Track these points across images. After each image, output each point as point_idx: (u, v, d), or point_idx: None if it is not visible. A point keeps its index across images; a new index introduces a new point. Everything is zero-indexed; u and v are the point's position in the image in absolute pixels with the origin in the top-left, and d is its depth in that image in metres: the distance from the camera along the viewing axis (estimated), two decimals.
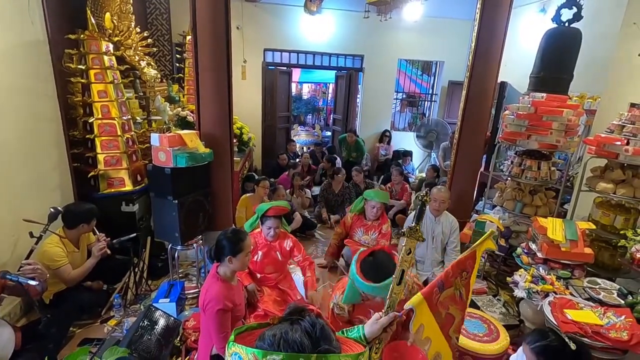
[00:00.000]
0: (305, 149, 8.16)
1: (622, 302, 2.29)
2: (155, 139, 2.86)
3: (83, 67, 3.21)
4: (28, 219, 2.47)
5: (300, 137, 9.23)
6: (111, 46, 3.43)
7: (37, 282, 2.08)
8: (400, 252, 1.13)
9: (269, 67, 6.71)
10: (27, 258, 2.40)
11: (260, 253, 2.68)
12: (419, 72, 9.14)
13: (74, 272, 2.63)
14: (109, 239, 2.84)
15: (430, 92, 8.16)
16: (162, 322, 2.40)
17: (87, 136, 3.29)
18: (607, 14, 3.95)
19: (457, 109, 3.79)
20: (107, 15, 3.53)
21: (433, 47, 7.14)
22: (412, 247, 1.12)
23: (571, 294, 2.46)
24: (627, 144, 2.67)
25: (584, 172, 3.03)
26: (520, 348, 1.81)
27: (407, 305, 1.13)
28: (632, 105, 2.75)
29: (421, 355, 1.84)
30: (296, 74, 10.34)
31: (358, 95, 7.33)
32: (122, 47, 3.78)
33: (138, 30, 4.03)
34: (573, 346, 1.59)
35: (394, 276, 1.12)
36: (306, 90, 12.58)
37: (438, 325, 1.18)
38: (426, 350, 1.20)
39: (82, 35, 3.18)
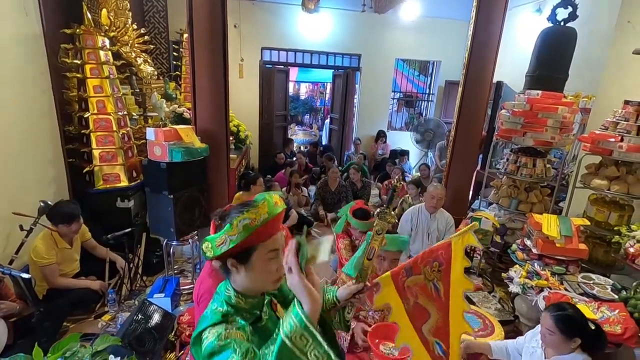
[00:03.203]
0: (302, 148, 8.16)
1: (616, 296, 2.31)
2: (150, 133, 2.85)
3: (79, 62, 3.20)
4: (17, 212, 2.45)
5: (298, 137, 9.26)
6: (107, 41, 3.42)
7: (30, 276, 2.06)
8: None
9: (267, 66, 6.71)
10: (18, 251, 2.38)
11: None
12: (416, 73, 9.19)
13: (62, 280, 2.61)
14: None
15: (427, 91, 8.19)
16: (156, 317, 2.40)
17: (83, 131, 3.28)
18: (602, 13, 3.99)
19: (454, 108, 3.81)
20: (104, 11, 3.52)
21: (430, 46, 7.17)
22: (383, 228, 1.16)
23: (565, 289, 2.47)
24: (621, 140, 2.69)
25: (579, 169, 3.05)
26: (535, 329, 1.88)
27: (375, 280, 1.18)
28: (627, 102, 2.76)
29: None
30: (293, 73, 10.36)
31: (355, 96, 7.35)
32: (119, 43, 3.77)
33: (135, 27, 4.02)
34: (592, 326, 1.69)
35: (365, 252, 1.18)
36: (304, 91, 12.60)
37: (405, 311, 1.16)
38: (395, 338, 1.19)
39: (77, 30, 3.17)
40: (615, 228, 2.74)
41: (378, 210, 1.18)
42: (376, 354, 1.77)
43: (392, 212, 1.16)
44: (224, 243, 0.90)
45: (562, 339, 1.68)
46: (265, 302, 1.03)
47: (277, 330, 0.82)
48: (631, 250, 2.46)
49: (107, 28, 3.57)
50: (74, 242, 2.78)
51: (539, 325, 1.87)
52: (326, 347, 0.79)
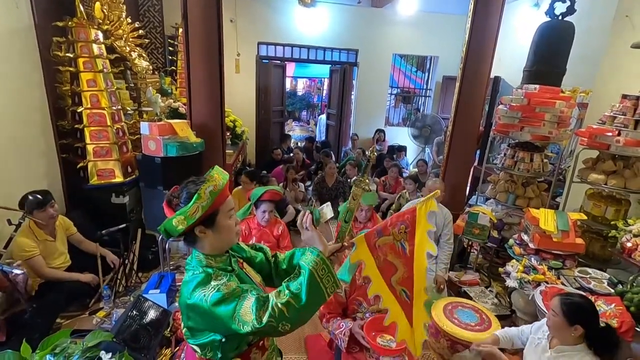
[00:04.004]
0: (299, 144, 8.14)
1: (612, 290, 2.31)
2: (145, 127, 2.82)
3: (71, 55, 3.15)
4: (3, 205, 2.42)
5: (295, 133, 9.22)
6: (100, 34, 3.37)
7: (22, 272, 2.04)
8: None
9: (263, 61, 6.66)
10: (7, 246, 2.35)
11: (254, 238, 2.69)
12: (414, 69, 9.15)
13: (51, 271, 2.57)
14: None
15: (425, 87, 8.16)
16: (151, 313, 2.37)
17: (76, 126, 3.24)
18: (600, 7, 3.97)
19: (452, 104, 3.80)
20: (97, 4, 3.46)
21: (427, 42, 7.13)
22: (358, 194, 1.37)
23: (562, 283, 2.47)
24: (619, 135, 2.68)
25: (576, 163, 3.05)
26: (542, 321, 1.90)
27: (352, 240, 1.35)
28: (624, 96, 2.75)
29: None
30: (291, 68, 10.30)
31: (352, 91, 7.31)
32: (112, 37, 3.72)
33: (129, 20, 3.96)
34: (602, 324, 1.71)
35: (343, 214, 1.37)
36: (301, 86, 12.55)
37: (376, 266, 1.34)
38: (367, 288, 1.37)
39: (70, 23, 3.12)
40: (612, 222, 2.75)
41: (354, 178, 1.44)
42: (373, 346, 1.76)
43: (367, 180, 1.38)
44: (196, 211, 1.05)
45: (564, 323, 1.67)
46: (232, 260, 1.21)
47: (298, 269, 1.08)
48: (628, 244, 2.45)
49: (101, 21, 3.51)
50: (57, 234, 2.71)
51: (546, 318, 1.87)
52: (334, 275, 1.09)
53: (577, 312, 1.67)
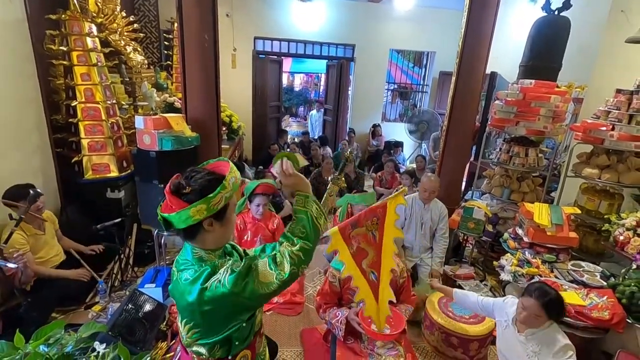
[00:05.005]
0: (295, 140, 8.13)
1: (605, 283, 2.33)
2: (139, 121, 2.80)
3: (65, 49, 3.12)
4: (7, 201, 2.41)
5: (292, 128, 9.21)
6: (94, 27, 3.34)
7: (16, 266, 2.03)
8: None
9: (260, 56, 6.62)
10: (7, 241, 2.34)
11: (249, 233, 2.69)
12: (410, 64, 9.14)
13: (40, 268, 2.54)
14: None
15: (422, 83, 8.16)
16: (147, 307, 2.38)
17: (70, 120, 3.21)
18: (595, 2, 3.97)
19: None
20: None
21: (424, 37, 7.12)
22: (334, 190, 1.57)
23: (556, 276, 2.49)
24: (613, 129, 2.69)
25: (570, 157, 3.06)
26: (503, 303, 1.95)
27: (326, 233, 1.45)
28: (618, 91, 2.76)
29: (396, 314, 1.92)
30: (287, 63, 10.27)
31: (349, 88, 7.29)
32: (107, 31, 3.68)
33: (124, 14, 3.93)
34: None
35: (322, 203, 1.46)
36: (298, 82, 12.51)
37: (350, 254, 1.55)
38: (340, 272, 1.64)
39: (63, 16, 3.09)
40: (606, 216, 2.77)
41: (331, 176, 1.55)
42: (368, 332, 1.80)
43: (342, 178, 1.57)
44: (219, 201, 1.02)
45: (544, 319, 1.74)
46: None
47: (295, 215, 1.13)
48: (620, 238, 2.48)
49: (95, 14, 3.48)
50: (46, 227, 2.68)
51: (508, 301, 1.94)
52: (323, 210, 1.18)
53: (558, 307, 1.75)
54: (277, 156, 1.17)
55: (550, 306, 1.71)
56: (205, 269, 1.04)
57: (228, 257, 1.17)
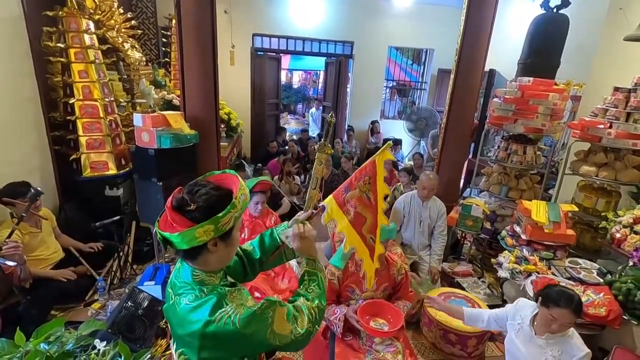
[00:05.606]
0: (294, 137, 8.12)
1: (601, 280, 2.35)
2: (138, 119, 2.79)
3: (62, 46, 3.10)
4: (7, 200, 2.40)
5: (290, 126, 9.19)
6: (92, 24, 3.32)
7: (15, 264, 2.03)
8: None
9: (258, 53, 6.60)
10: (9, 237, 2.33)
11: (247, 230, 2.70)
12: (409, 62, 9.12)
13: (32, 269, 2.49)
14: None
15: (420, 80, 8.15)
16: (146, 304, 2.38)
17: (68, 118, 3.20)
18: (594, 0, 3.97)
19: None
20: None
21: (423, 34, 7.10)
22: (323, 159, 1.44)
23: (553, 273, 2.51)
24: (610, 127, 2.70)
25: (568, 155, 3.08)
26: (514, 306, 1.92)
27: (321, 204, 1.42)
28: (616, 89, 2.77)
29: (395, 311, 1.93)
30: (286, 60, 10.23)
31: (348, 85, 7.28)
32: (104, 28, 3.66)
33: (121, 11, 3.90)
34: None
35: (311, 183, 1.42)
36: (296, 79, 12.47)
37: (349, 222, 1.48)
38: (343, 243, 1.52)
39: (60, 12, 3.07)
40: (603, 214, 2.78)
41: (317, 145, 1.45)
42: (366, 329, 1.81)
43: (329, 145, 1.46)
44: (229, 221, 0.92)
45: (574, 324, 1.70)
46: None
47: (308, 276, 1.14)
48: (617, 235, 2.49)
49: (92, 11, 3.46)
50: (43, 225, 2.67)
51: (520, 303, 1.91)
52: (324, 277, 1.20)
53: (581, 305, 1.68)
54: (294, 220, 1.20)
55: (580, 308, 1.66)
56: (210, 298, 0.93)
57: (230, 280, 1.08)
